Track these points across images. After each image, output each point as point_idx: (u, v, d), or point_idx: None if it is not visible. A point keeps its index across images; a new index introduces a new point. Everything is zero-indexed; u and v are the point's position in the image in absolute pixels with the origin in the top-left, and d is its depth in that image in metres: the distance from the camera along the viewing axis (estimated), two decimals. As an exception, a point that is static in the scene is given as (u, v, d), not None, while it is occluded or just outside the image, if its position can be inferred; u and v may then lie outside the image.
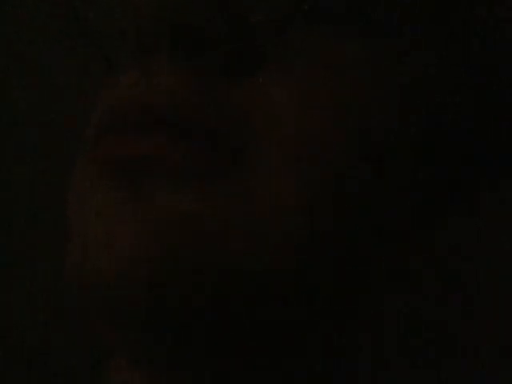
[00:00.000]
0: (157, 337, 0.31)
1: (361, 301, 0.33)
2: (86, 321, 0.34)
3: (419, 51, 0.34)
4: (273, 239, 0.31)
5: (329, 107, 0.32)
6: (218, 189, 0.30)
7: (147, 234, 0.30)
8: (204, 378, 0.33)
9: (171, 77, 0.31)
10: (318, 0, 0.33)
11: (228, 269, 0.30)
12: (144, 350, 0.32)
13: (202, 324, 0.31)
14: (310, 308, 0.32)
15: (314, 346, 0.33)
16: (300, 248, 0.31)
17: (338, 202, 0.32)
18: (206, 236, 0.30)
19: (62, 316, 0.60)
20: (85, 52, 0.38)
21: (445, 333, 0.34)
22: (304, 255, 0.31)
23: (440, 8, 0.34)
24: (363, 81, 0.33)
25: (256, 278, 0.31)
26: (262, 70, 0.32)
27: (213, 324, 0.31)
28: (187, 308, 0.30)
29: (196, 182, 0.30)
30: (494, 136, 0.35)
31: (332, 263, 0.32)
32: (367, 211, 0.32)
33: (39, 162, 0.64)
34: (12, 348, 0.63)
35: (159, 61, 0.32)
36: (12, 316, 0.64)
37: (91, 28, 0.36)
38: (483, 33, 0.34)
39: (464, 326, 0.34)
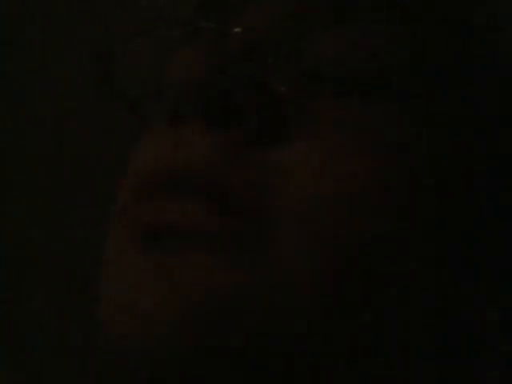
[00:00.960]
0: None
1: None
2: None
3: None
4: (291, 312, 0.31)
5: (355, 182, 0.32)
6: (243, 259, 0.31)
7: (173, 300, 0.31)
8: None
9: (202, 143, 0.32)
10: (342, 70, 0.34)
11: (251, 333, 0.31)
12: None
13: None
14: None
15: None
16: (313, 322, 0.31)
17: (354, 281, 0.32)
18: (231, 303, 0.31)
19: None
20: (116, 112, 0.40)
21: None
22: (317, 329, 0.32)
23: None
24: (386, 151, 0.33)
25: (275, 341, 0.31)
26: (288, 138, 0.33)
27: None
28: (213, 371, 0.31)
29: (221, 251, 0.31)
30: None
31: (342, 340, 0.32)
32: (381, 288, 0.33)
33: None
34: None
35: (191, 126, 0.33)
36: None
37: (123, 88, 0.37)
38: None
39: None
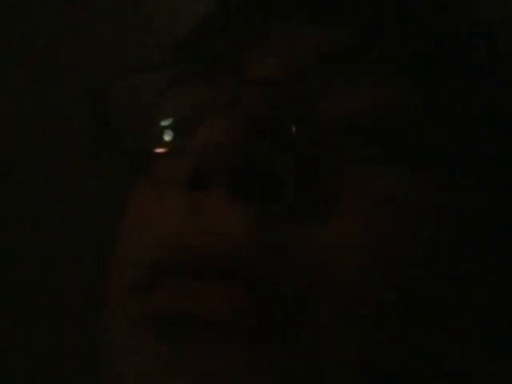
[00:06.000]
0: None
1: None
2: None
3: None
4: None
5: (393, 258, 0.31)
6: (274, 352, 0.29)
7: None
8: None
9: (232, 218, 0.30)
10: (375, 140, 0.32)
11: None
12: None
13: None
14: None
15: None
16: None
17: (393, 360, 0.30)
18: None
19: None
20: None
21: None
22: None
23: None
24: (429, 224, 0.32)
25: None
26: (325, 212, 0.31)
27: None
28: None
29: (262, 344, 0.29)
30: None
31: None
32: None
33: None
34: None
35: (215, 197, 0.30)
36: None
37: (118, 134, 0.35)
38: None
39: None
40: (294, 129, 0.32)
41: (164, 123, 0.37)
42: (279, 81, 0.33)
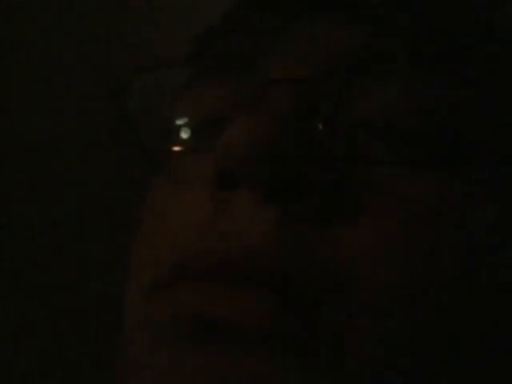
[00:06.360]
0: None
1: None
2: None
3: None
4: None
5: (419, 263, 0.30)
6: (321, 363, 0.28)
7: None
8: None
9: (260, 220, 0.29)
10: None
11: None
12: None
13: None
14: None
15: None
16: None
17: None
18: None
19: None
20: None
21: None
22: None
23: None
24: (461, 227, 0.31)
25: None
26: (352, 213, 0.30)
27: None
28: None
29: (296, 354, 0.28)
30: None
31: None
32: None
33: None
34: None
35: (242, 198, 0.30)
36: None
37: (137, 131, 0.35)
38: None
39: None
40: (320, 127, 0.31)
41: (183, 121, 0.36)
42: (306, 79, 0.32)
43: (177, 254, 0.30)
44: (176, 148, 0.35)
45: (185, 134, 0.36)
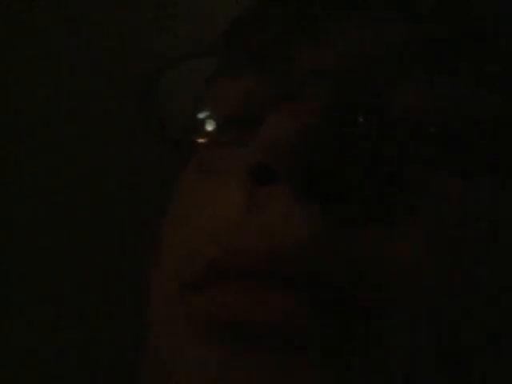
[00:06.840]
0: None
1: None
2: None
3: None
4: None
5: (457, 263, 0.29)
6: (358, 367, 0.27)
7: None
8: None
9: (292, 216, 0.28)
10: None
11: None
12: None
13: None
14: None
15: None
16: None
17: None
18: None
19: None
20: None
21: None
22: None
23: None
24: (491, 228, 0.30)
25: None
26: (394, 217, 0.29)
27: None
28: None
29: (333, 358, 0.27)
30: None
31: None
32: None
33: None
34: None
35: (280, 194, 0.29)
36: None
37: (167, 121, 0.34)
38: None
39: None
40: (361, 119, 0.30)
41: (210, 114, 0.35)
42: (344, 71, 0.31)
43: (214, 249, 0.29)
44: (208, 140, 0.34)
45: (210, 127, 0.35)
